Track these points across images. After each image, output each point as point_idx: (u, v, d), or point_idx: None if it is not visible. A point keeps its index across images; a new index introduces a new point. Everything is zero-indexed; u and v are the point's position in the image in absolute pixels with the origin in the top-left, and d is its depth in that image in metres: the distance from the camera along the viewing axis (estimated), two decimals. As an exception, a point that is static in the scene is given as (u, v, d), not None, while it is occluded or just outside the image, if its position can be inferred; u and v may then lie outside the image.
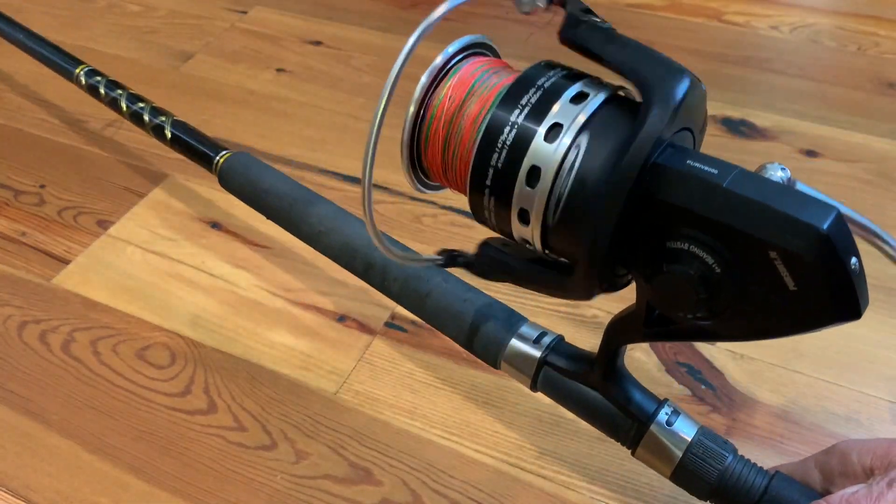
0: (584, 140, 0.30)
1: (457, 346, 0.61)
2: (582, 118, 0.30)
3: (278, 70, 0.94)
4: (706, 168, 0.29)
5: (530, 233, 0.32)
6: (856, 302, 0.30)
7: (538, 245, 0.33)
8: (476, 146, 0.32)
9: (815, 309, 0.29)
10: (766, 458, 0.53)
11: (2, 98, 0.92)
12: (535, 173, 0.30)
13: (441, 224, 0.72)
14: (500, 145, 0.31)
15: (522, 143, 0.31)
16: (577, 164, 0.30)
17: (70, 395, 0.60)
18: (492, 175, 0.31)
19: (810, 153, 0.78)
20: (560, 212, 0.31)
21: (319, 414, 0.58)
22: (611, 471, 0.53)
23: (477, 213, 0.34)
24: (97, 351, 0.63)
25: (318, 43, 0.99)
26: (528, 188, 0.31)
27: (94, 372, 0.61)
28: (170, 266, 0.70)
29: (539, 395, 0.52)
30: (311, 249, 0.70)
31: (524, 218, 0.32)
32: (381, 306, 0.65)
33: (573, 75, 0.33)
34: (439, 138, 0.34)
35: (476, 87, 0.33)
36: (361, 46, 0.98)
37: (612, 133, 0.30)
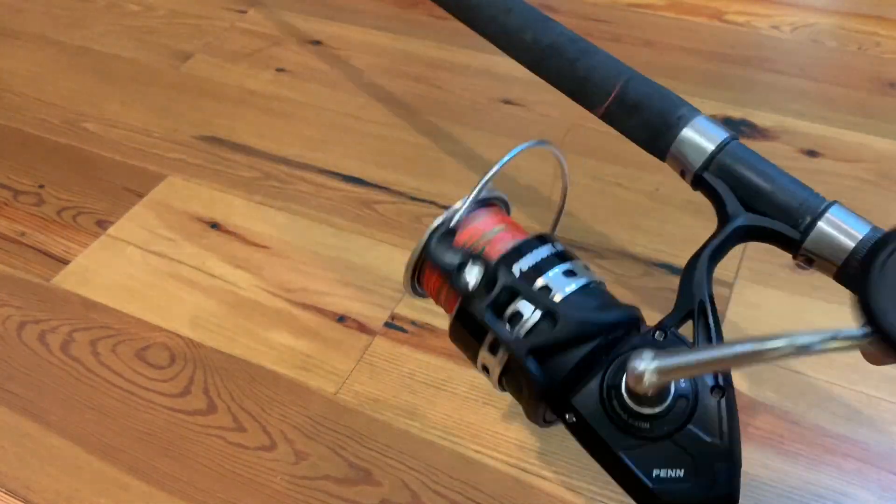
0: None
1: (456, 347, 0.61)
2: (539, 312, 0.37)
3: (278, 70, 0.94)
4: None
5: (493, 366, 0.38)
6: None
7: (495, 380, 0.39)
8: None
9: None
10: (766, 459, 0.53)
11: (2, 98, 0.92)
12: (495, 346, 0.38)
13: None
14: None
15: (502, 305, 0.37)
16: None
17: (70, 396, 0.60)
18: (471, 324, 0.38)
19: (811, 153, 0.78)
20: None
21: (319, 414, 0.58)
22: (611, 471, 0.53)
23: (452, 334, 0.40)
24: (97, 351, 0.63)
25: (318, 43, 0.99)
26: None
27: (94, 372, 0.61)
28: (169, 266, 0.70)
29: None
30: (311, 249, 0.70)
31: (494, 350, 0.38)
32: (381, 306, 0.65)
33: (560, 255, 0.39)
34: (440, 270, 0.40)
35: (489, 239, 0.39)
36: (361, 46, 0.98)
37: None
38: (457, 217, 0.40)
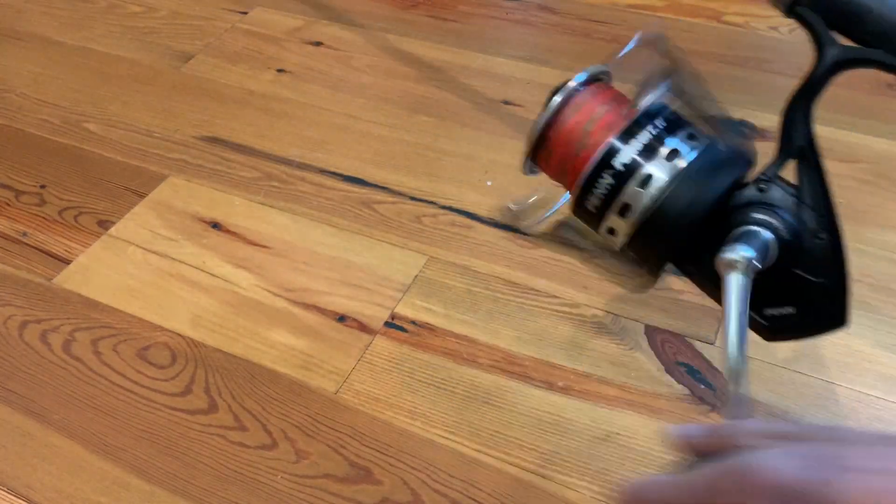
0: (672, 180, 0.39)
1: (456, 346, 0.61)
2: (672, 171, 0.39)
3: (278, 70, 0.94)
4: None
5: (616, 239, 0.41)
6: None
7: (620, 243, 0.41)
8: (591, 169, 0.40)
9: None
10: (765, 458, 0.53)
11: (2, 98, 0.92)
12: (626, 208, 0.40)
13: (441, 224, 0.72)
14: (604, 176, 0.40)
15: (623, 181, 0.40)
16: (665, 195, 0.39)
17: (71, 395, 0.60)
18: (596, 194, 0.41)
19: (810, 153, 0.78)
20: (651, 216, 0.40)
21: (320, 413, 0.58)
22: (611, 471, 0.53)
23: (581, 201, 0.42)
24: (98, 351, 0.63)
25: (318, 43, 0.99)
26: (619, 218, 0.41)
27: (95, 372, 0.61)
28: (170, 266, 0.70)
29: (539, 394, 0.52)
30: (312, 249, 0.71)
31: (623, 213, 0.40)
32: (381, 306, 0.65)
33: (671, 126, 0.41)
34: (558, 151, 0.41)
35: (601, 118, 0.41)
36: (361, 46, 0.98)
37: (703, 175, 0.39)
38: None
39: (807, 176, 0.37)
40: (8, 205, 0.77)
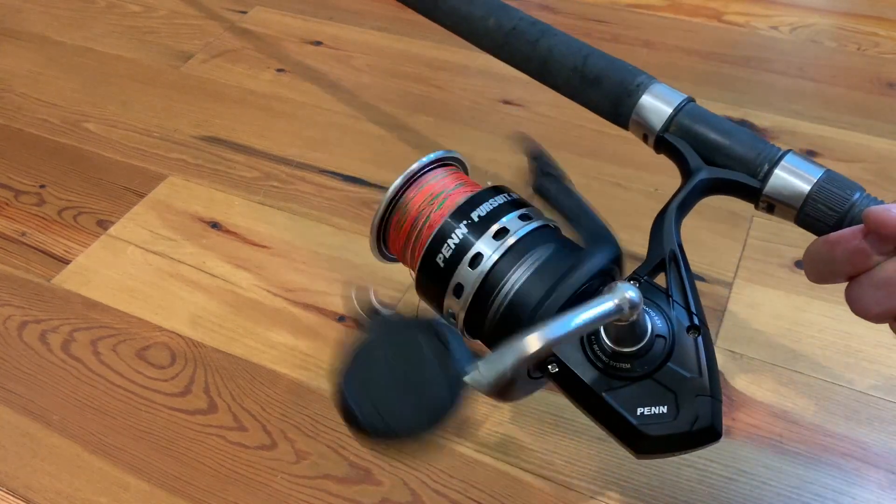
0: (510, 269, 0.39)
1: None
2: (500, 250, 0.39)
3: (278, 70, 0.94)
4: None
5: (458, 309, 0.40)
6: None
7: (460, 323, 0.40)
8: (430, 241, 0.41)
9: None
10: (765, 458, 0.53)
11: (2, 98, 0.92)
12: (459, 290, 0.40)
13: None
14: (446, 246, 0.40)
15: (462, 250, 0.40)
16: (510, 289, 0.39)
17: (70, 395, 0.60)
18: (438, 263, 0.41)
19: (810, 153, 0.78)
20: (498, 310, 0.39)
21: (319, 413, 0.58)
22: (611, 471, 0.53)
23: (419, 288, 0.43)
24: (97, 351, 0.63)
25: (318, 43, 0.99)
26: (454, 296, 0.40)
27: (95, 372, 0.61)
28: (170, 266, 0.70)
29: (540, 393, 0.52)
30: (312, 249, 0.70)
31: (458, 293, 0.40)
32: (381, 306, 0.65)
33: (512, 203, 0.41)
34: (404, 228, 0.42)
35: (438, 198, 0.41)
36: (361, 46, 0.98)
37: (548, 271, 0.38)
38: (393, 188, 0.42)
39: (675, 278, 0.37)
40: (7, 205, 0.77)
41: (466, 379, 0.31)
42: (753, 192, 0.40)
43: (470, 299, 0.39)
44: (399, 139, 0.83)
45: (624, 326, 0.34)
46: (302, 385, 0.60)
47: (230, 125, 0.86)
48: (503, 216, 0.40)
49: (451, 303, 0.40)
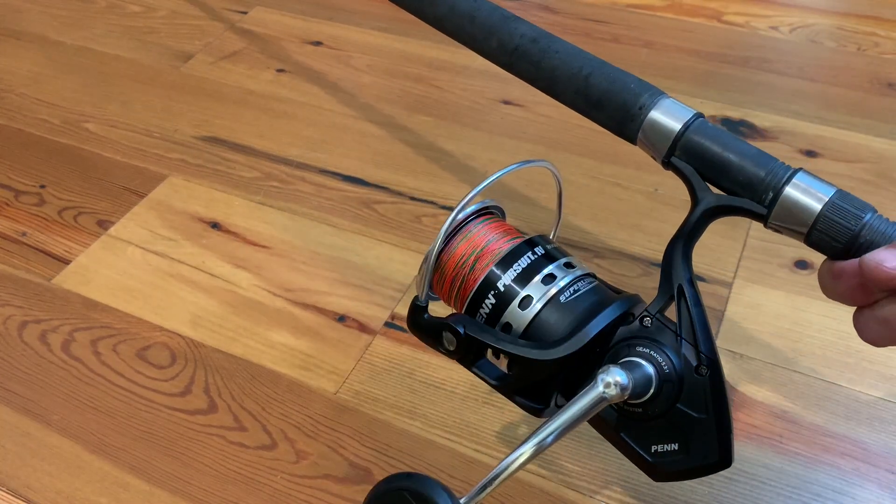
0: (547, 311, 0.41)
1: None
2: (548, 295, 0.41)
3: (278, 70, 0.94)
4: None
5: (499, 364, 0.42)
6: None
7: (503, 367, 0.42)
8: (474, 291, 0.42)
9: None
10: (765, 458, 0.53)
11: (2, 98, 0.92)
12: (508, 328, 0.41)
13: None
14: (489, 297, 0.42)
15: (504, 302, 0.41)
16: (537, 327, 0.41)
17: (70, 395, 0.60)
18: (481, 314, 0.42)
19: (810, 153, 0.78)
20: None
21: (319, 414, 0.58)
22: (611, 470, 0.53)
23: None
24: (97, 351, 0.63)
25: (318, 43, 0.99)
26: (502, 332, 0.42)
27: (95, 372, 0.61)
28: (170, 266, 0.70)
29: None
30: (312, 249, 0.71)
31: (496, 355, 0.42)
32: (381, 306, 0.65)
33: (549, 255, 0.42)
34: (449, 276, 0.44)
35: (485, 247, 0.43)
36: (361, 46, 0.98)
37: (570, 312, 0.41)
38: (425, 282, 0.44)
39: (685, 313, 0.38)
40: (7, 205, 0.77)
41: None
42: (760, 217, 0.39)
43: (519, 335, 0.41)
44: (399, 139, 0.83)
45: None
46: (302, 385, 0.60)
47: (230, 125, 0.86)
48: (549, 264, 0.42)
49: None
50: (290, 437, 0.56)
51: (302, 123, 0.86)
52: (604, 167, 0.77)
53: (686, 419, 0.37)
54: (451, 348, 0.42)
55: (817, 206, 0.37)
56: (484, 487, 0.37)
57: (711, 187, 0.41)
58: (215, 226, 0.74)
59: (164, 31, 1.03)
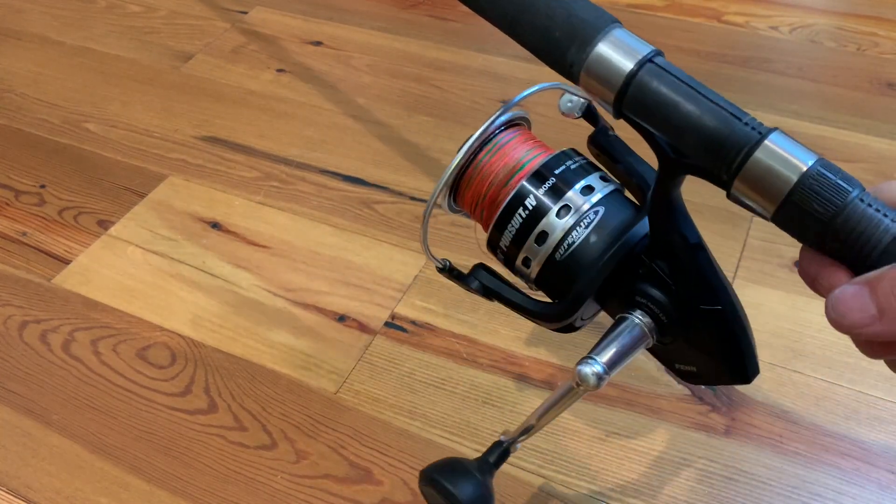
0: (585, 221, 0.40)
1: (457, 346, 0.62)
2: (586, 206, 0.40)
3: (278, 70, 0.94)
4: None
5: (529, 271, 0.41)
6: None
7: (533, 276, 0.41)
8: (506, 203, 0.41)
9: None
10: (765, 458, 0.53)
11: (2, 98, 0.92)
12: (543, 236, 0.39)
13: (441, 224, 0.72)
14: (523, 208, 0.40)
15: (539, 213, 0.40)
16: (577, 240, 0.39)
17: (71, 395, 0.60)
18: (512, 228, 0.41)
19: (810, 153, 0.78)
20: (564, 260, 0.39)
21: (319, 414, 0.58)
22: (611, 471, 0.53)
23: (490, 245, 0.42)
24: (98, 351, 0.63)
25: (318, 43, 0.99)
26: (535, 245, 0.40)
27: (95, 372, 0.61)
28: (170, 266, 0.70)
29: (540, 393, 0.52)
30: (312, 249, 0.71)
31: (527, 263, 0.40)
32: (381, 306, 0.65)
33: (588, 166, 0.42)
34: (478, 187, 0.42)
35: (518, 161, 0.42)
36: (361, 46, 0.98)
37: (609, 223, 0.39)
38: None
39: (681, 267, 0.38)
40: (8, 205, 0.77)
41: None
42: (723, 185, 0.33)
43: (552, 247, 0.40)
44: (399, 139, 0.83)
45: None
46: (302, 385, 0.60)
47: (230, 125, 0.86)
48: (588, 175, 0.41)
49: (531, 251, 0.41)
50: (290, 437, 0.56)
51: (302, 123, 0.86)
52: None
53: (710, 336, 0.38)
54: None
55: (784, 189, 0.31)
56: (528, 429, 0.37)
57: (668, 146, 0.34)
58: (215, 226, 0.74)
59: (164, 31, 1.03)
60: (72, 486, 0.54)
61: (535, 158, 0.43)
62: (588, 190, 0.40)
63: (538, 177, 0.41)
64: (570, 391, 0.40)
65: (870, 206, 0.30)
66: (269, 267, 0.69)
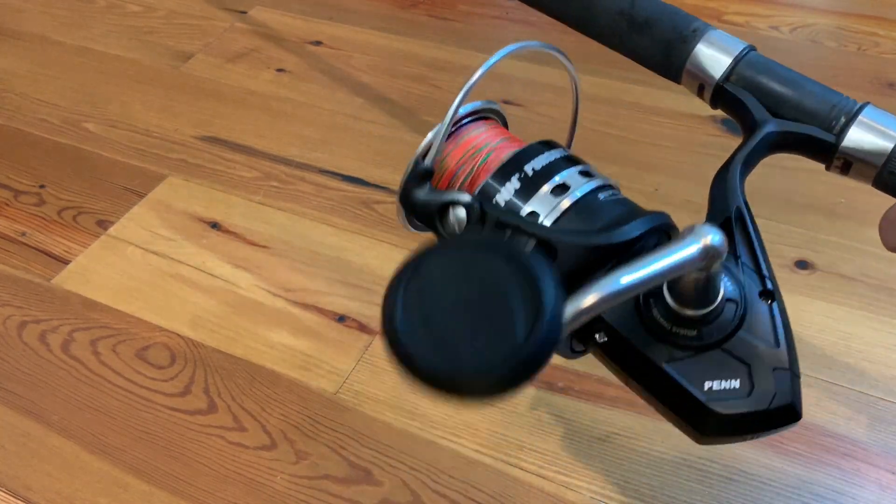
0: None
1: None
2: (561, 207, 0.34)
3: (278, 70, 0.94)
4: None
5: None
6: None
7: None
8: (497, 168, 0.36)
9: None
10: (765, 459, 0.53)
11: (1, 98, 0.92)
12: (534, 216, 0.35)
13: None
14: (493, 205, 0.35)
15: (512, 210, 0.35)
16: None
17: (70, 396, 0.60)
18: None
19: (810, 153, 0.78)
20: None
21: (319, 414, 0.58)
22: (611, 471, 0.53)
23: None
24: (97, 351, 0.63)
25: (318, 43, 0.99)
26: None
27: (94, 372, 0.61)
28: (170, 266, 0.70)
29: (540, 393, 0.52)
30: (311, 249, 0.70)
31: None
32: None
33: (567, 159, 0.37)
34: (441, 185, 0.37)
35: (479, 154, 0.37)
36: (361, 46, 0.98)
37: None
38: (434, 148, 0.37)
39: (744, 239, 0.32)
40: (7, 204, 0.77)
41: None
42: (827, 149, 0.36)
43: None
44: (399, 139, 0.83)
45: (695, 283, 0.29)
46: (302, 385, 0.60)
47: (230, 125, 0.86)
48: (561, 171, 0.35)
49: None
50: (290, 438, 0.56)
51: (302, 123, 0.86)
52: (604, 167, 0.77)
53: (751, 349, 0.29)
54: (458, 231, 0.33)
55: (893, 137, 0.35)
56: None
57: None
58: (215, 226, 0.74)
59: (163, 30, 1.03)
60: (71, 487, 0.54)
61: (500, 151, 0.37)
62: (561, 189, 0.35)
63: (503, 172, 0.36)
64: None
65: None
66: (269, 267, 0.69)
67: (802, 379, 0.59)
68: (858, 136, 0.35)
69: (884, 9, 1.01)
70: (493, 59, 0.36)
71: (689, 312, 0.30)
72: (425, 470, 0.54)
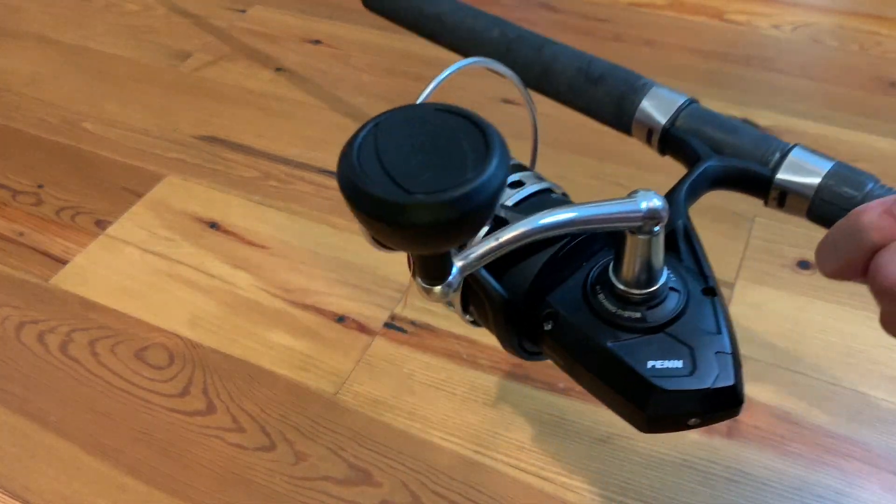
0: None
1: (457, 347, 0.61)
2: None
3: (278, 70, 0.94)
4: None
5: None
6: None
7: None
8: None
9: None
10: (766, 459, 0.53)
11: (1, 98, 0.92)
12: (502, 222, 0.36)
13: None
14: None
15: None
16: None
17: (68, 396, 0.59)
18: None
19: (811, 153, 0.78)
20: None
21: (319, 415, 0.57)
22: (611, 472, 0.53)
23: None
24: (95, 351, 0.62)
25: (317, 42, 0.99)
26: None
27: (93, 372, 0.61)
28: (168, 266, 0.69)
29: (541, 394, 0.51)
30: (311, 249, 0.70)
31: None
32: (381, 306, 0.65)
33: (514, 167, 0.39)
34: None
35: None
36: (361, 46, 0.98)
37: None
38: None
39: (687, 250, 0.35)
40: (5, 204, 0.77)
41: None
42: (764, 183, 0.39)
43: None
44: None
45: (639, 264, 0.30)
46: (301, 386, 0.59)
47: (229, 124, 0.86)
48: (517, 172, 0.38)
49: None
50: (289, 439, 0.56)
51: (301, 123, 0.86)
52: (604, 167, 0.77)
53: (693, 332, 0.30)
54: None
55: (821, 172, 0.38)
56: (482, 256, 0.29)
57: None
58: (214, 226, 0.73)
59: (162, 29, 1.03)
60: (70, 488, 0.54)
61: None
62: (517, 184, 0.37)
63: None
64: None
65: (887, 191, 0.37)
66: (268, 267, 0.69)
67: (804, 378, 0.59)
68: (792, 170, 0.39)
69: (886, 8, 1.01)
70: (442, 76, 0.40)
71: (634, 292, 0.31)
72: (425, 471, 0.54)
